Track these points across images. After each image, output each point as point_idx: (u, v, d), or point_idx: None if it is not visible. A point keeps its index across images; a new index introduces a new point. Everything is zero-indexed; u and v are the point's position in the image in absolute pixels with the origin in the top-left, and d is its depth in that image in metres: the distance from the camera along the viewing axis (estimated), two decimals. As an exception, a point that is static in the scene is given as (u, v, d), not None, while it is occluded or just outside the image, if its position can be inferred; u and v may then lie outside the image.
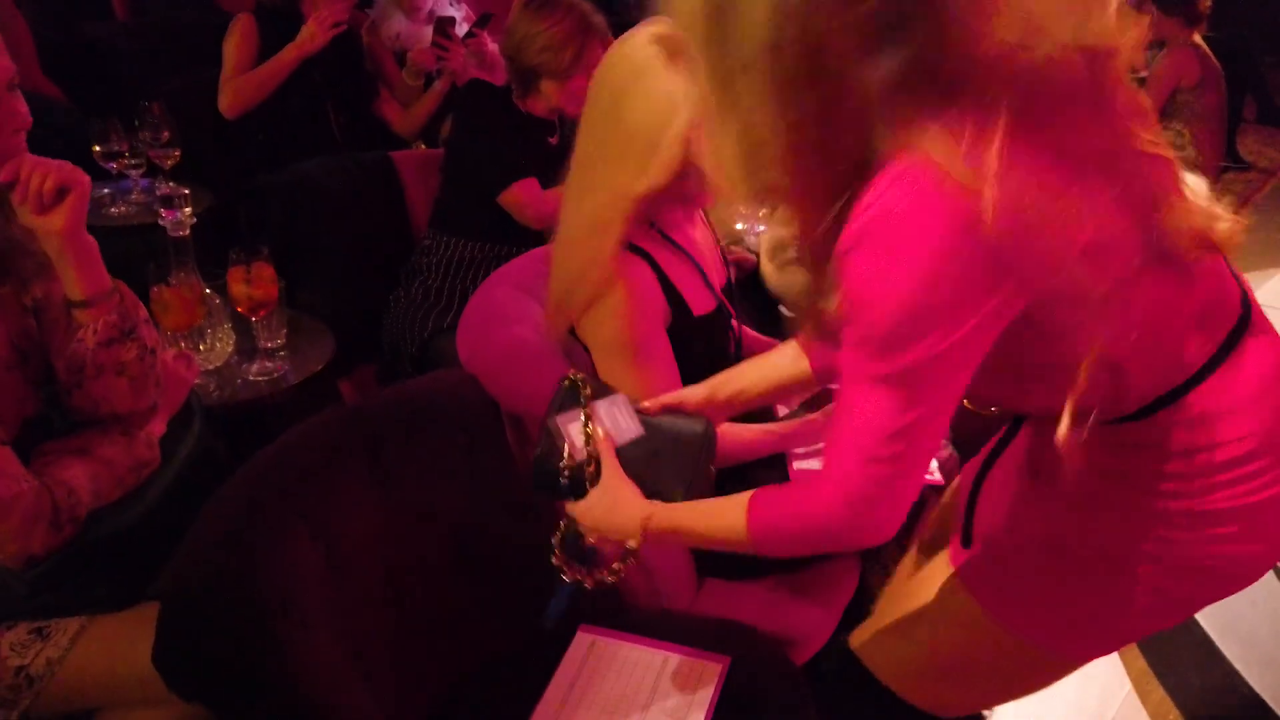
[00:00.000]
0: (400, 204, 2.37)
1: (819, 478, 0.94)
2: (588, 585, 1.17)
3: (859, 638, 1.27)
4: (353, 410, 1.29)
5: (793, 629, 1.51)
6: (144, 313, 1.25)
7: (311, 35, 2.74)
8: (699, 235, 1.56)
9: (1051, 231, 0.76)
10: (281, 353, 1.85)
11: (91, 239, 1.18)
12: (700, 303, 1.45)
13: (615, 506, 1.14)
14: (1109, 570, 1.00)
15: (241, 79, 2.76)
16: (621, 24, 1.50)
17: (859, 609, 1.64)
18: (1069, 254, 0.77)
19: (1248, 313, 0.96)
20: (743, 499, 1.02)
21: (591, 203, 1.31)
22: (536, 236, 2.17)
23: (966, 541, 1.14)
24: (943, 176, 0.73)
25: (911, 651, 1.19)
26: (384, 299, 2.28)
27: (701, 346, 1.46)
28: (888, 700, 1.21)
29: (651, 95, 1.23)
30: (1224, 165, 4.25)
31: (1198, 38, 3.79)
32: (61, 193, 1.13)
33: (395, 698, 1.16)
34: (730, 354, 1.55)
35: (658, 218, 1.43)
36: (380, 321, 2.28)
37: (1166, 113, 3.83)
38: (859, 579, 1.64)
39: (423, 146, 3.07)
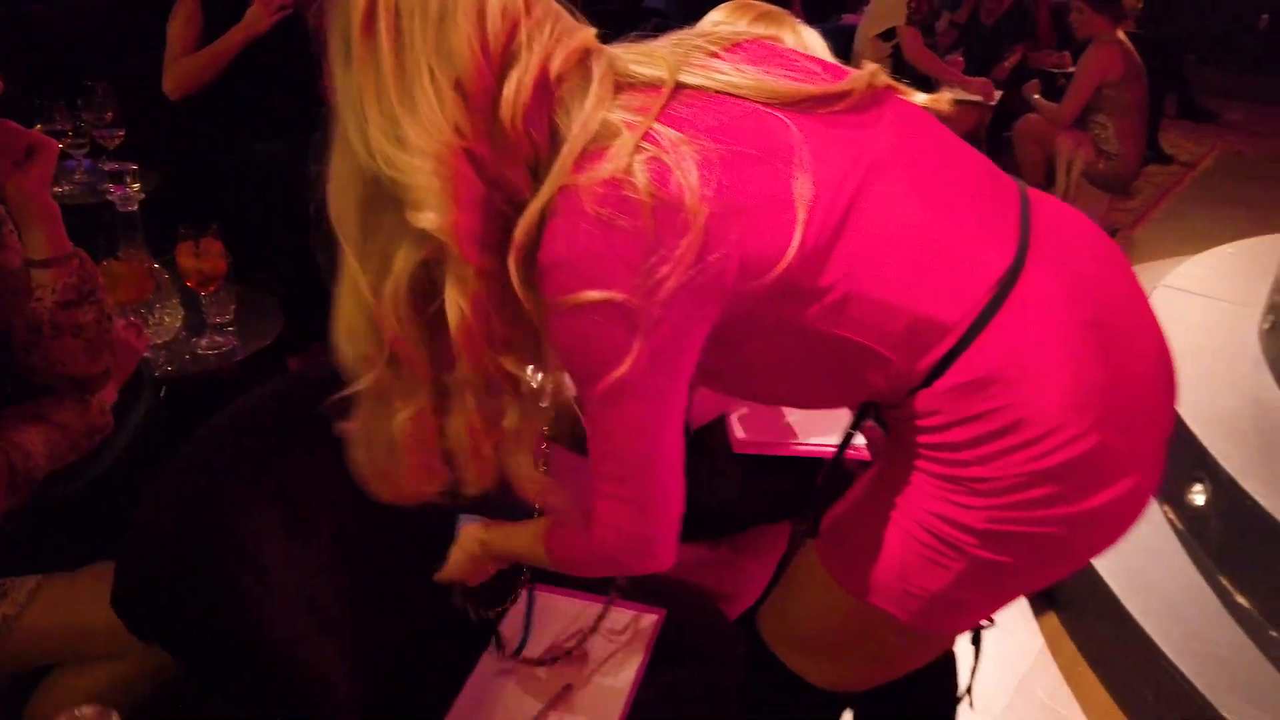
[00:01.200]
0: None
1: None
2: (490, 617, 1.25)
3: (762, 616, 1.23)
4: (308, 377, 1.34)
5: (727, 585, 1.60)
6: (101, 280, 1.29)
7: (258, 18, 2.76)
8: None
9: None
10: (230, 328, 1.88)
11: (54, 203, 1.23)
12: None
13: (460, 543, 1.20)
14: (927, 539, 0.95)
15: (186, 60, 2.76)
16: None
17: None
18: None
19: (1023, 255, 0.90)
20: (541, 530, 1.07)
21: None
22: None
23: (813, 531, 1.12)
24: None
25: (794, 628, 1.16)
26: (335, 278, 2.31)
27: None
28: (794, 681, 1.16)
29: None
30: (1146, 158, 4.43)
31: (1122, 34, 3.95)
32: (30, 152, 1.18)
33: (351, 653, 1.22)
34: None
35: None
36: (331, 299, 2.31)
37: (1092, 106, 4.00)
38: (789, 540, 1.74)
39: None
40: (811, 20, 5.66)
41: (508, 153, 0.82)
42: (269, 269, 2.14)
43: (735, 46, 0.92)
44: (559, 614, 1.45)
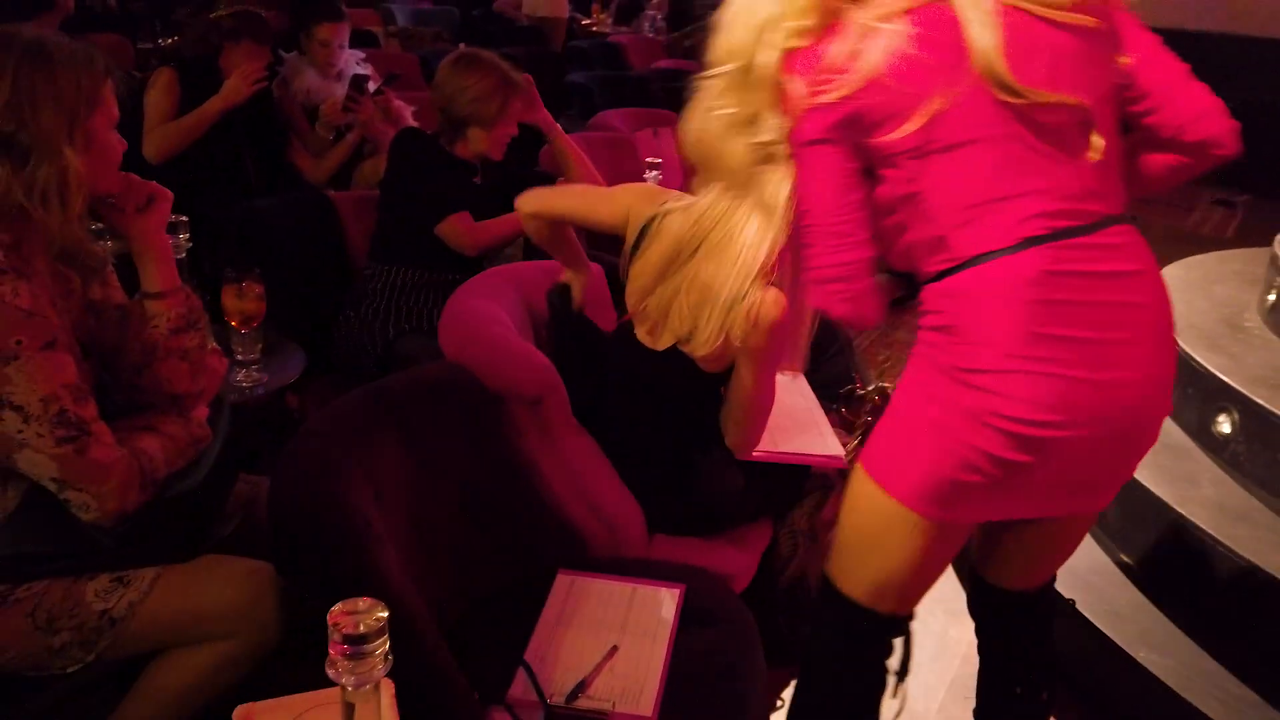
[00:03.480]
0: (339, 238, 2.61)
1: None
2: None
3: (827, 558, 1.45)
4: (380, 389, 1.56)
5: (724, 568, 1.86)
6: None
7: (236, 89, 2.95)
8: None
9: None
10: (257, 365, 2.07)
11: (168, 241, 1.43)
12: None
13: None
14: (927, 422, 1.21)
15: (167, 126, 2.93)
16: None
17: (772, 558, 2.02)
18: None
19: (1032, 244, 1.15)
20: None
21: None
22: (470, 263, 2.47)
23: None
24: None
25: (839, 537, 1.40)
26: (325, 323, 2.51)
27: None
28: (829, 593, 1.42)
29: None
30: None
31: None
32: (150, 200, 1.39)
33: (431, 605, 1.42)
34: None
35: None
36: (320, 342, 2.49)
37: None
38: (772, 536, 2.01)
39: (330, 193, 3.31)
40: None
41: None
42: (283, 313, 2.32)
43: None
44: (591, 594, 1.68)
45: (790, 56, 1.26)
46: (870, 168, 1.24)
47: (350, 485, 1.33)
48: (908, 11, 1.17)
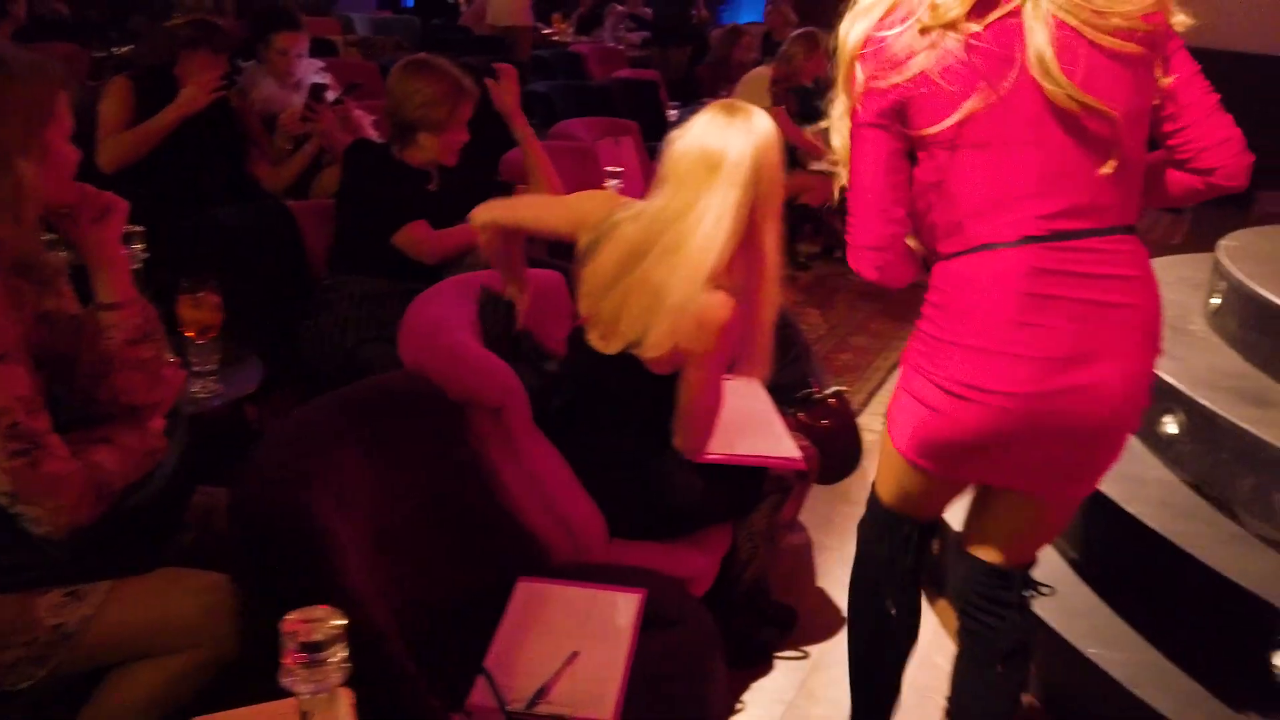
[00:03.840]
0: (298, 248, 2.60)
1: None
2: None
3: None
4: (342, 397, 1.56)
5: (685, 572, 1.88)
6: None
7: (192, 98, 2.93)
8: None
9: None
10: (214, 376, 2.05)
11: (124, 252, 1.42)
12: None
13: None
14: (913, 385, 1.44)
15: (121, 135, 2.89)
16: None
17: (732, 561, 2.04)
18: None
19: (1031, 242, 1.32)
20: None
21: None
22: (431, 271, 2.47)
23: None
24: None
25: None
26: (285, 333, 2.49)
27: None
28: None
29: None
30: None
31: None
32: (106, 210, 1.38)
33: (398, 611, 1.43)
34: None
35: None
36: (280, 353, 2.48)
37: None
38: (731, 539, 2.03)
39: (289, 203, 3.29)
40: (684, 103, 6.13)
41: None
42: (242, 323, 2.30)
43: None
44: (552, 600, 1.69)
45: (863, 44, 1.37)
46: (913, 151, 1.40)
47: (312, 493, 1.33)
48: (975, 17, 1.30)
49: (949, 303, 1.39)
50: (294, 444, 1.39)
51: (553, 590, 1.71)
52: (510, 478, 1.76)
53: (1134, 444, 2.51)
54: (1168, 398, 2.40)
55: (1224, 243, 3.02)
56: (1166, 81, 1.34)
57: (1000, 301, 1.33)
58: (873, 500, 1.68)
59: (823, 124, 1.50)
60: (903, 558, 1.63)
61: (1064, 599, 2.18)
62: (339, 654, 0.78)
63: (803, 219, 5.13)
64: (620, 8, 8.52)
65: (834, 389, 2.43)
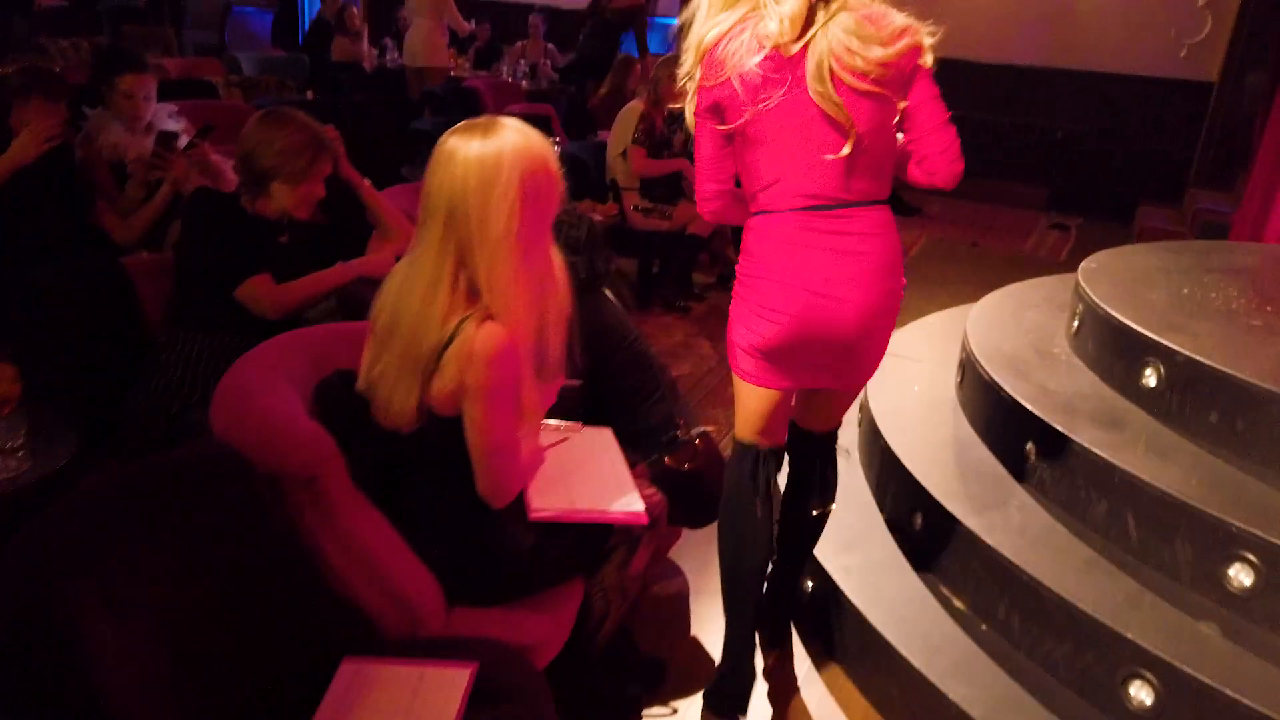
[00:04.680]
0: (132, 305, 2.46)
1: None
2: None
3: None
4: (128, 476, 1.44)
5: (529, 638, 1.79)
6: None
7: (23, 148, 2.78)
8: None
9: None
10: (20, 452, 1.90)
11: None
12: None
13: None
14: (734, 315, 1.91)
15: (-54, 190, 2.72)
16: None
17: (585, 620, 1.96)
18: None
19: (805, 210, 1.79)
20: None
21: None
22: (276, 327, 2.35)
23: None
24: None
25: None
26: (119, 397, 2.35)
27: None
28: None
29: None
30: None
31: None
32: None
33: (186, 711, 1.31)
34: None
35: None
36: (108, 421, 2.33)
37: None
38: (583, 595, 1.95)
39: (144, 254, 3.13)
40: (572, 137, 6.16)
41: None
42: (56, 391, 2.15)
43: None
44: (376, 681, 1.59)
45: (710, 49, 1.76)
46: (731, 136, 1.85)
47: (72, 599, 1.21)
48: (785, 46, 1.72)
49: (751, 249, 1.87)
50: (52, 539, 1.26)
51: (378, 670, 1.61)
52: (332, 551, 1.65)
53: (999, 472, 2.52)
54: (1026, 423, 2.41)
55: (1084, 264, 3.07)
56: (903, 105, 1.78)
57: (778, 247, 1.81)
58: (736, 446, 2.05)
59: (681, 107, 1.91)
60: (758, 475, 2.01)
61: (927, 635, 2.15)
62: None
63: (697, 248, 5.11)
64: (521, 44, 8.48)
65: (699, 430, 2.38)
